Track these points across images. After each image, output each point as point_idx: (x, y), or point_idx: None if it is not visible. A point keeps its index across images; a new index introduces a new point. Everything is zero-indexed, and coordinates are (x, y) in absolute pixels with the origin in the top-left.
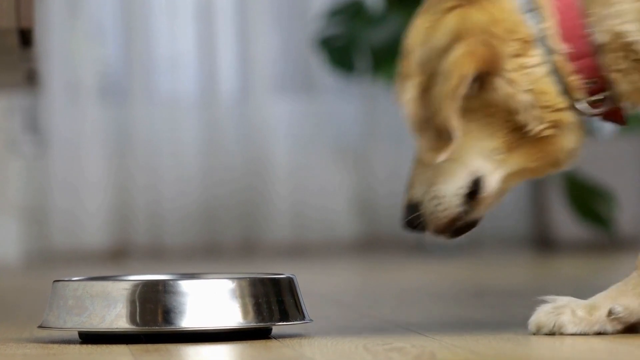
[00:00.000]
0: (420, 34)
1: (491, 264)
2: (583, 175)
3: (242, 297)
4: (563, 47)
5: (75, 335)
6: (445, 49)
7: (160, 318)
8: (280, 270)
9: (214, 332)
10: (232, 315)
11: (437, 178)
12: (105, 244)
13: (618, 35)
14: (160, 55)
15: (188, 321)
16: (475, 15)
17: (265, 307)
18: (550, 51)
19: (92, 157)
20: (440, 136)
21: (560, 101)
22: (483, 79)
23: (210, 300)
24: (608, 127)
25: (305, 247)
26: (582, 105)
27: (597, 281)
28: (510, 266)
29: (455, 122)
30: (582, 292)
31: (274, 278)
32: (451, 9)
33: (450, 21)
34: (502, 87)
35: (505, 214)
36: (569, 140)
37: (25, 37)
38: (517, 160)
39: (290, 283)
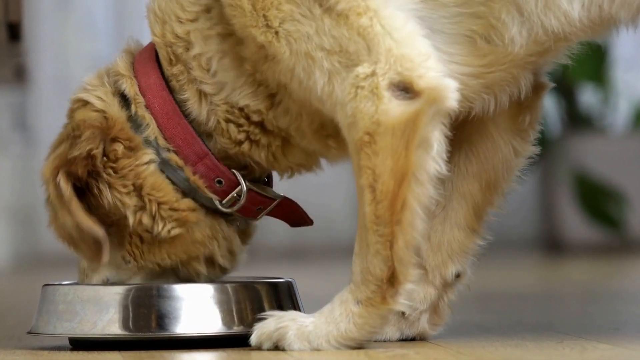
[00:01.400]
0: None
1: (497, 267)
2: (593, 174)
3: (239, 302)
4: (174, 153)
5: (66, 342)
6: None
7: (154, 324)
8: (279, 274)
9: (210, 338)
10: (229, 321)
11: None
12: None
13: (224, 115)
14: None
15: (183, 327)
16: (66, 127)
17: (264, 312)
18: (163, 150)
19: None
20: (93, 245)
21: (179, 199)
22: (87, 185)
23: (206, 305)
24: (619, 125)
25: (305, 250)
26: (220, 206)
27: (607, 285)
28: (517, 269)
29: (87, 221)
30: (592, 296)
31: (273, 282)
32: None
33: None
34: (104, 192)
35: (512, 214)
36: (199, 234)
37: (14, 31)
38: (154, 260)
39: (289, 287)
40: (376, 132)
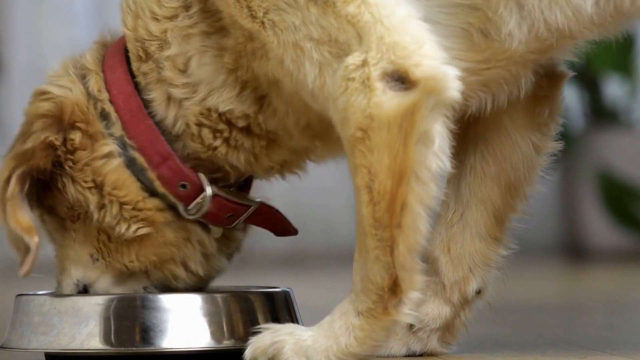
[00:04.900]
0: None
1: (514, 276)
2: (619, 174)
3: (231, 313)
4: (138, 153)
5: (42, 357)
6: None
7: (138, 337)
8: (275, 282)
9: (199, 353)
10: (220, 335)
11: (58, 289)
12: None
13: (198, 116)
14: None
15: (170, 341)
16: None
17: (258, 324)
18: (130, 149)
19: None
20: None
21: (145, 199)
22: (50, 179)
23: (194, 318)
24: None
25: (303, 256)
26: (183, 212)
27: (634, 295)
28: (535, 278)
29: (20, 226)
30: (618, 307)
31: (268, 292)
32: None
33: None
34: (67, 185)
35: (531, 218)
36: (171, 235)
37: None
38: (122, 261)
39: (286, 297)
40: (370, 127)
